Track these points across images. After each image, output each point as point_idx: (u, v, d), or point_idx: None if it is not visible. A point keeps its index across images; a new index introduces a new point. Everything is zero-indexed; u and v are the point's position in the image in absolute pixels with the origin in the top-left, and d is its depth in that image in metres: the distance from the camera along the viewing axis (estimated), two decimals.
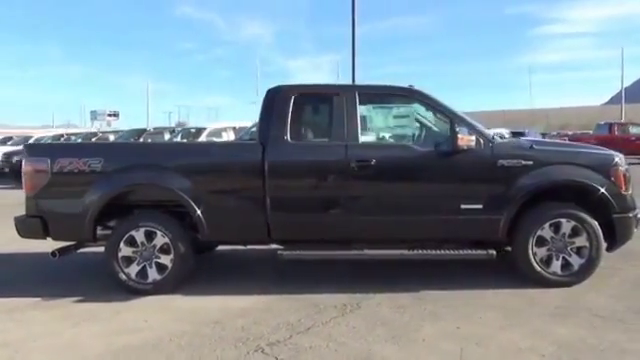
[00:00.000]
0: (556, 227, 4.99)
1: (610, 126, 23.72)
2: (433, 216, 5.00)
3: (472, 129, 4.97)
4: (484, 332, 3.99)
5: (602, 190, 4.93)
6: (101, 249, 5.20)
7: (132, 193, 5.12)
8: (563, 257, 5.01)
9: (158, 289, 5.02)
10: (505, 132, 29.17)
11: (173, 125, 35.82)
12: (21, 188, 5.25)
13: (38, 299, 4.97)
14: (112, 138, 19.12)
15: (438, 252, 5.03)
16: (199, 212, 4.96)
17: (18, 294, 5.10)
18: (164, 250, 5.04)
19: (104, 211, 5.06)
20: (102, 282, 5.20)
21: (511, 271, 5.23)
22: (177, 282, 5.08)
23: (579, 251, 5.01)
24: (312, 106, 5.25)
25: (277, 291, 5.04)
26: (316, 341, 3.87)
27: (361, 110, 5.14)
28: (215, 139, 13.13)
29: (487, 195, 4.95)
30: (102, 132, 22.56)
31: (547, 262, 5.01)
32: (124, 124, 53.98)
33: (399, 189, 5.04)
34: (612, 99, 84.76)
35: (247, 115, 57.84)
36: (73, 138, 20.47)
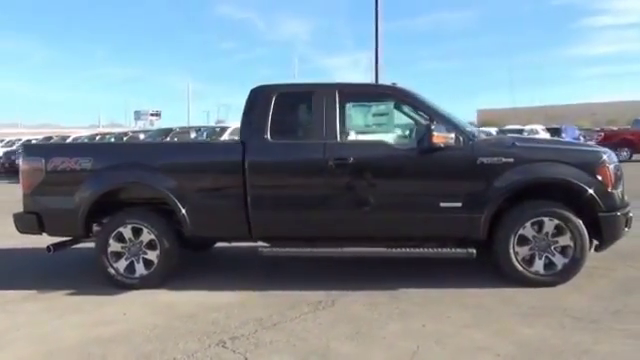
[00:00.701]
0: (539, 226, 4.91)
1: None
2: (412, 214, 5.00)
3: (452, 126, 4.94)
4: (448, 331, 3.98)
5: (586, 188, 4.81)
6: None
7: (121, 191, 5.32)
8: (546, 256, 4.92)
9: (145, 283, 5.20)
10: (541, 129, 28.64)
11: (212, 124, 36.53)
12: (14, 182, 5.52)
13: (34, 292, 5.23)
14: (142, 137, 19.67)
15: (417, 250, 5.02)
16: (184, 211, 5.10)
17: (16, 287, 5.38)
18: (150, 246, 5.21)
19: (98, 208, 5.28)
20: (95, 277, 5.40)
21: (495, 270, 5.17)
22: (163, 277, 5.25)
23: (563, 250, 4.91)
24: (293, 105, 5.31)
25: (259, 287, 5.14)
26: (278, 336, 3.95)
27: (341, 108, 5.18)
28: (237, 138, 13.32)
29: (466, 193, 4.91)
30: (132, 132, 23.21)
31: (529, 261, 4.93)
32: (166, 123, 55.39)
33: (377, 187, 5.05)
34: None
35: None
36: (107, 137, 21.18)
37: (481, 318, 4.22)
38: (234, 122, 15.40)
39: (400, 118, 5.41)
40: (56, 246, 5.43)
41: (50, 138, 24.42)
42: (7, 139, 27.63)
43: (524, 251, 4.93)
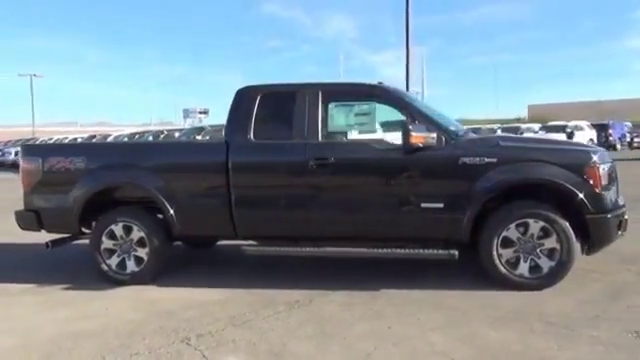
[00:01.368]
0: (524, 228, 4.77)
1: None
2: (393, 215, 4.95)
3: (433, 126, 4.85)
4: (412, 333, 3.93)
5: (571, 189, 4.64)
6: None
7: (113, 190, 5.50)
8: (532, 259, 4.78)
9: (136, 280, 5.37)
10: (586, 125, 27.55)
11: None
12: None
13: (33, 285, 5.50)
14: (177, 135, 20.17)
15: (399, 251, 4.97)
16: (172, 211, 5.23)
17: (18, 280, 5.66)
18: (140, 243, 5.38)
19: (93, 206, 5.48)
20: (93, 272, 5.61)
21: (482, 273, 5.06)
22: (153, 273, 5.41)
23: (550, 253, 4.75)
24: (277, 106, 5.33)
25: (245, 285, 5.22)
26: (243, 335, 4.00)
27: (324, 108, 5.18)
28: None
29: (448, 194, 4.82)
30: (168, 130, 23.81)
31: (514, 264, 4.81)
32: (214, 120, 56.45)
33: (357, 187, 5.03)
34: None
35: None
36: (145, 136, 21.83)
37: (452, 321, 4.15)
38: None
39: (387, 117, 5.36)
40: (54, 242, 5.67)
41: (94, 137, 25.38)
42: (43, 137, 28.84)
43: (508, 253, 4.80)
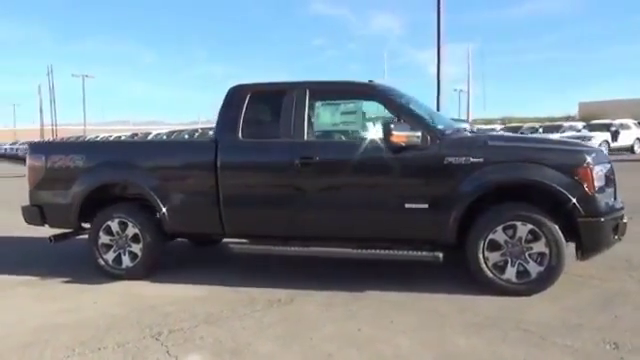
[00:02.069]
0: (512, 231, 4.60)
1: None
2: (377, 215, 4.88)
3: (419, 125, 4.75)
4: (379, 336, 3.86)
5: (561, 190, 4.44)
6: None
7: (110, 188, 5.65)
8: (520, 264, 4.61)
9: (130, 275, 5.50)
10: (633, 123, 26.24)
11: None
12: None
13: (34, 278, 5.70)
14: (210, 133, 20.48)
15: (383, 252, 4.89)
16: (164, 209, 5.33)
17: (18, 273, 5.88)
18: (135, 239, 5.50)
19: (93, 202, 5.64)
20: (93, 267, 5.78)
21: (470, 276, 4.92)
22: (147, 269, 5.53)
23: (538, 258, 4.57)
24: (266, 104, 5.33)
25: (232, 283, 5.24)
26: (213, 332, 4.03)
27: (311, 107, 5.15)
28: None
29: (433, 194, 4.71)
30: (202, 128, 24.22)
31: (502, 268, 4.65)
32: None
33: (342, 187, 4.98)
34: None
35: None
36: (182, 134, 22.31)
37: (425, 324, 4.06)
38: None
39: (370, 116, 5.28)
40: (57, 237, 5.87)
41: (136, 135, 26.15)
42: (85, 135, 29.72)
43: (495, 257, 4.65)
